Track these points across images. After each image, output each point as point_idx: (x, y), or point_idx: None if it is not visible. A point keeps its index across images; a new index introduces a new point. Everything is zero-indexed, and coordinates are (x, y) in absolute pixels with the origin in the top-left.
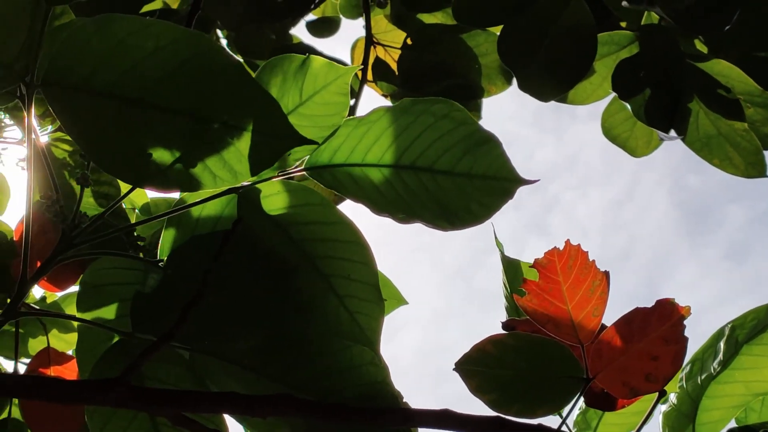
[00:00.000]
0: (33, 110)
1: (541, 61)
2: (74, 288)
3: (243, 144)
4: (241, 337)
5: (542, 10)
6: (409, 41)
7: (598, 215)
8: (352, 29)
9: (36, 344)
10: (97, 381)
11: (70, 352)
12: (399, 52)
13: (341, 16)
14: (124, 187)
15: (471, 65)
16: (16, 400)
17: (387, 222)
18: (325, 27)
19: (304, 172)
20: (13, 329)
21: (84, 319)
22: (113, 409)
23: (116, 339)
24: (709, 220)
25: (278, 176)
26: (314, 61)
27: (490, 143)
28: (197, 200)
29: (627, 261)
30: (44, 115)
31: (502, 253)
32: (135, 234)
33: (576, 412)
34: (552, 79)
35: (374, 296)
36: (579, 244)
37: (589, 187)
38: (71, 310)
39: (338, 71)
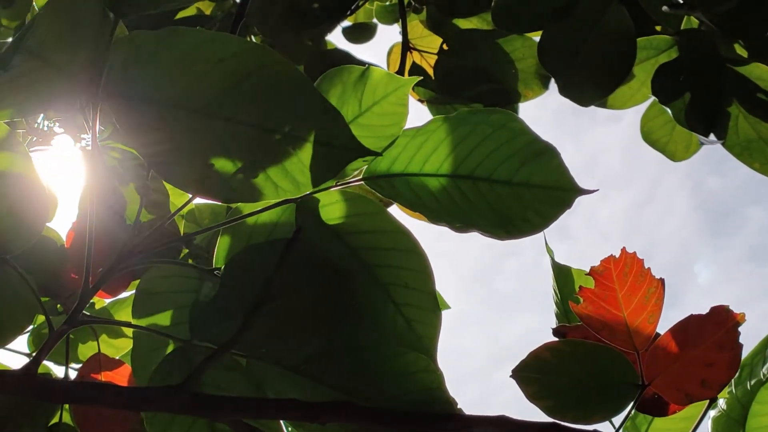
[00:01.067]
0: (98, 120)
1: (582, 65)
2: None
3: (305, 155)
4: (298, 344)
5: (582, 15)
6: (445, 47)
7: (619, 218)
8: (386, 35)
9: (85, 350)
10: (160, 388)
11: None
12: (435, 57)
13: (377, 21)
14: (173, 194)
15: (507, 70)
16: (67, 405)
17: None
18: (361, 33)
19: (362, 182)
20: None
21: (142, 326)
22: (173, 415)
23: (171, 346)
24: (731, 222)
25: (337, 186)
26: (374, 72)
27: (547, 153)
28: (255, 209)
29: (648, 263)
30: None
31: (552, 259)
32: (195, 243)
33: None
34: (592, 83)
35: (431, 304)
36: (635, 252)
37: (609, 190)
38: (120, 315)
39: (398, 82)
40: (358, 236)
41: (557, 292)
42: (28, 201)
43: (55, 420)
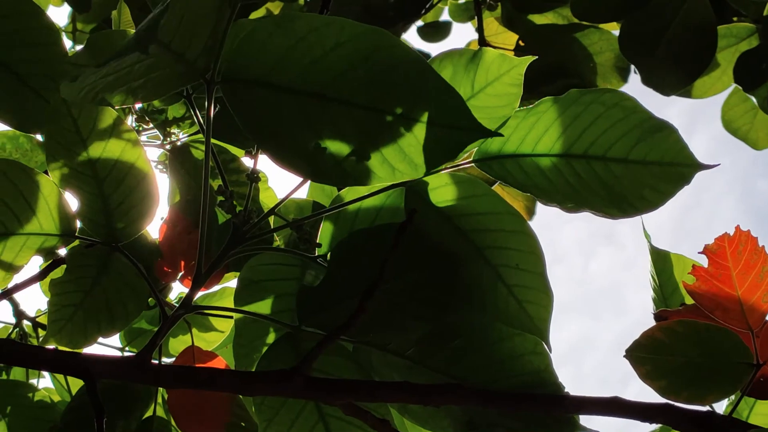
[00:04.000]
0: (212, 106)
1: (663, 55)
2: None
3: (421, 136)
4: (407, 328)
5: (662, 5)
6: (521, 43)
7: (666, 224)
8: (459, 33)
9: (176, 344)
10: (274, 371)
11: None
12: (512, 53)
13: (450, 19)
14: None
15: (585, 64)
16: (160, 399)
17: None
18: (436, 32)
19: (472, 164)
20: (155, 329)
21: (251, 313)
22: (282, 400)
23: (272, 333)
24: None
25: (448, 168)
26: (486, 53)
27: (665, 130)
28: (360, 195)
29: None
30: (181, 119)
31: (650, 244)
32: (304, 229)
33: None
34: (674, 72)
35: (543, 285)
36: (749, 230)
37: None
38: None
39: (512, 62)
40: (468, 218)
41: (655, 277)
42: (140, 188)
43: (149, 413)
